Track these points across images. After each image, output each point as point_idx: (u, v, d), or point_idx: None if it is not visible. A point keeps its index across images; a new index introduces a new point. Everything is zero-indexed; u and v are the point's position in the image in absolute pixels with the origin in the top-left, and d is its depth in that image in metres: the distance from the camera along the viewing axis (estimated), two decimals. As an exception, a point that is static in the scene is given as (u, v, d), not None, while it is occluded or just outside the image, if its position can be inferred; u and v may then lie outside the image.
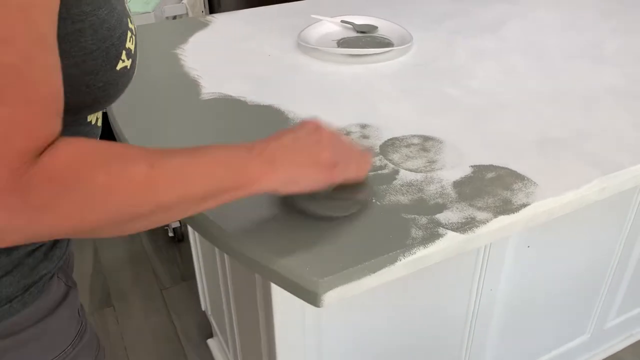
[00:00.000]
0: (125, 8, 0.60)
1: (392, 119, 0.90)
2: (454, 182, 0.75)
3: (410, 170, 0.77)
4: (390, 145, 0.83)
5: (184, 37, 1.21)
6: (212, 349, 1.61)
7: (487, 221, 0.68)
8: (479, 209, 0.70)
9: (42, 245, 0.67)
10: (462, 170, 0.77)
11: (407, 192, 0.73)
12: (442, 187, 0.74)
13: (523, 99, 0.96)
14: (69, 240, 0.79)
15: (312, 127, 0.64)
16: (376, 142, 0.83)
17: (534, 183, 0.74)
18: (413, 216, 0.68)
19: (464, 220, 0.68)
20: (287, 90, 0.99)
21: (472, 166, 0.78)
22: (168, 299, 1.81)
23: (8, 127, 0.44)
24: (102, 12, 0.55)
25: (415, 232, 0.66)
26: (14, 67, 0.44)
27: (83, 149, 0.49)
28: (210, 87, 0.99)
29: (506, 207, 0.70)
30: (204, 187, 0.54)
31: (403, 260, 0.63)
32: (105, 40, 0.56)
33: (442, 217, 0.68)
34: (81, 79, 0.57)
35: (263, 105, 0.93)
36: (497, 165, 0.78)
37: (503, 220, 0.69)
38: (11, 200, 0.45)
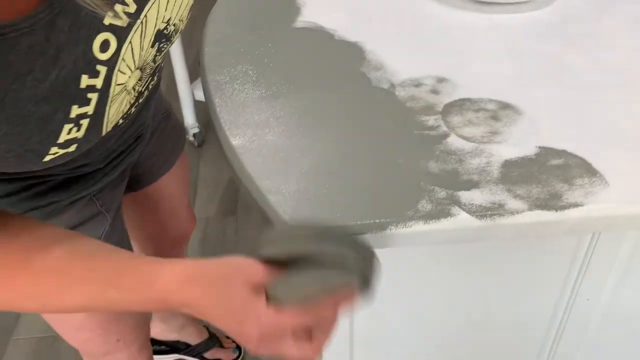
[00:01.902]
0: (70, 86, 0.48)
1: (480, 78, 0.78)
2: (506, 160, 0.64)
3: (463, 138, 0.67)
4: (458, 106, 0.73)
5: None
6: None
7: (517, 212, 0.57)
8: (516, 196, 0.59)
9: (60, 175, 0.71)
10: (524, 149, 0.65)
11: (444, 160, 0.64)
12: (487, 163, 0.63)
13: (659, 82, 0.77)
14: (117, 168, 0.81)
15: (249, 340, 0.49)
16: (444, 99, 0.74)
17: (605, 182, 0.60)
18: (433, 187, 0.60)
19: (489, 205, 0.58)
20: (383, 29, 0.91)
21: (539, 147, 0.65)
22: (284, 223, 1.88)
23: None
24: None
25: (424, 205, 0.58)
26: None
27: None
28: (308, 16, 0.95)
29: (550, 203, 0.58)
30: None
31: (393, 231, 0.56)
32: (12, 150, 0.49)
33: (465, 195, 0.59)
34: None
35: (347, 42, 0.87)
36: (571, 152, 0.64)
37: (538, 215, 0.57)
38: None
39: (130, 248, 0.90)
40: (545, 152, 0.64)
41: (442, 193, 0.59)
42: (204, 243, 1.83)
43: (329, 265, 0.48)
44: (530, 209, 0.57)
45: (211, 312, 0.49)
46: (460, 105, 0.73)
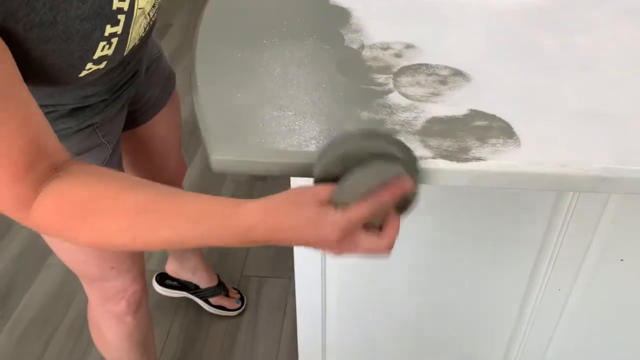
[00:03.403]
0: (105, 8, 0.58)
1: (448, 49, 0.82)
2: (433, 117, 0.68)
3: (403, 95, 0.72)
4: (413, 69, 0.77)
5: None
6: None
7: (420, 159, 0.61)
8: (426, 146, 0.63)
9: (67, 104, 0.80)
10: (456, 110, 0.69)
11: (376, 111, 0.69)
12: (415, 117, 0.68)
13: (622, 74, 0.78)
14: (119, 101, 0.90)
15: (331, 245, 0.55)
16: (403, 62, 0.78)
17: (518, 145, 0.63)
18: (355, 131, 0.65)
19: (397, 150, 0.63)
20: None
21: (471, 110, 0.69)
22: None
23: None
24: (50, 46, 0.56)
25: (339, 143, 0.63)
26: None
27: (68, 204, 0.55)
28: (313, -18, 1.02)
29: (455, 154, 0.62)
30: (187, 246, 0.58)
31: (300, 163, 0.62)
32: (56, 65, 0.59)
33: (380, 140, 0.64)
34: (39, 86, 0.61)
35: (339, 7, 0.93)
36: (499, 117, 0.68)
37: (439, 164, 0.61)
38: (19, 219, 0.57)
39: None
40: (474, 114, 0.68)
41: (360, 136, 0.65)
42: (231, 203, 1.94)
43: (378, 160, 0.56)
44: (433, 157, 0.62)
45: (291, 233, 0.54)
46: (416, 68, 0.77)
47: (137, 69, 0.91)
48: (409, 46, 0.82)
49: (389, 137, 0.58)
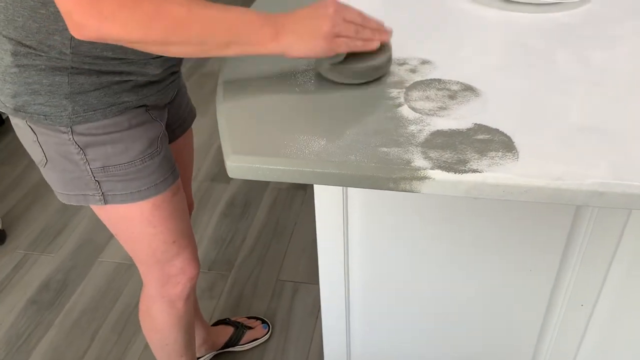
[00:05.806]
0: None
1: (463, 64, 0.85)
2: (438, 130, 0.71)
3: (412, 109, 0.75)
4: (426, 84, 0.80)
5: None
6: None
7: (419, 169, 0.65)
8: (427, 158, 0.66)
9: (130, 80, 0.89)
10: (460, 124, 0.72)
11: (384, 123, 0.73)
12: (420, 130, 0.71)
13: (632, 89, 0.78)
14: (175, 92, 1.00)
15: (325, 3, 0.75)
16: (417, 78, 0.82)
17: (517, 158, 0.66)
18: (358, 138, 0.69)
19: (397, 160, 0.66)
20: (405, 15, 1.00)
21: (475, 124, 0.72)
22: (348, 203, 1.99)
23: None
24: None
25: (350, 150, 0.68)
26: None
27: None
28: None
29: (453, 166, 0.65)
30: (224, 37, 0.73)
31: (306, 170, 0.67)
32: None
33: (382, 150, 0.68)
34: None
35: (363, 23, 0.97)
36: (502, 131, 0.70)
37: (437, 174, 0.64)
38: (86, 6, 0.67)
39: (175, 166, 1.04)
40: (478, 128, 0.71)
41: (366, 146, 0.69)
42: (272, 208, 2.00)
43: None
44: (432, 168, 0.65)
45: (295, 16, 0.75)
46: (428, 83, 0.81)
47: (177, 69, 0.99)
48: (424, 62, 0.86)
49: None
